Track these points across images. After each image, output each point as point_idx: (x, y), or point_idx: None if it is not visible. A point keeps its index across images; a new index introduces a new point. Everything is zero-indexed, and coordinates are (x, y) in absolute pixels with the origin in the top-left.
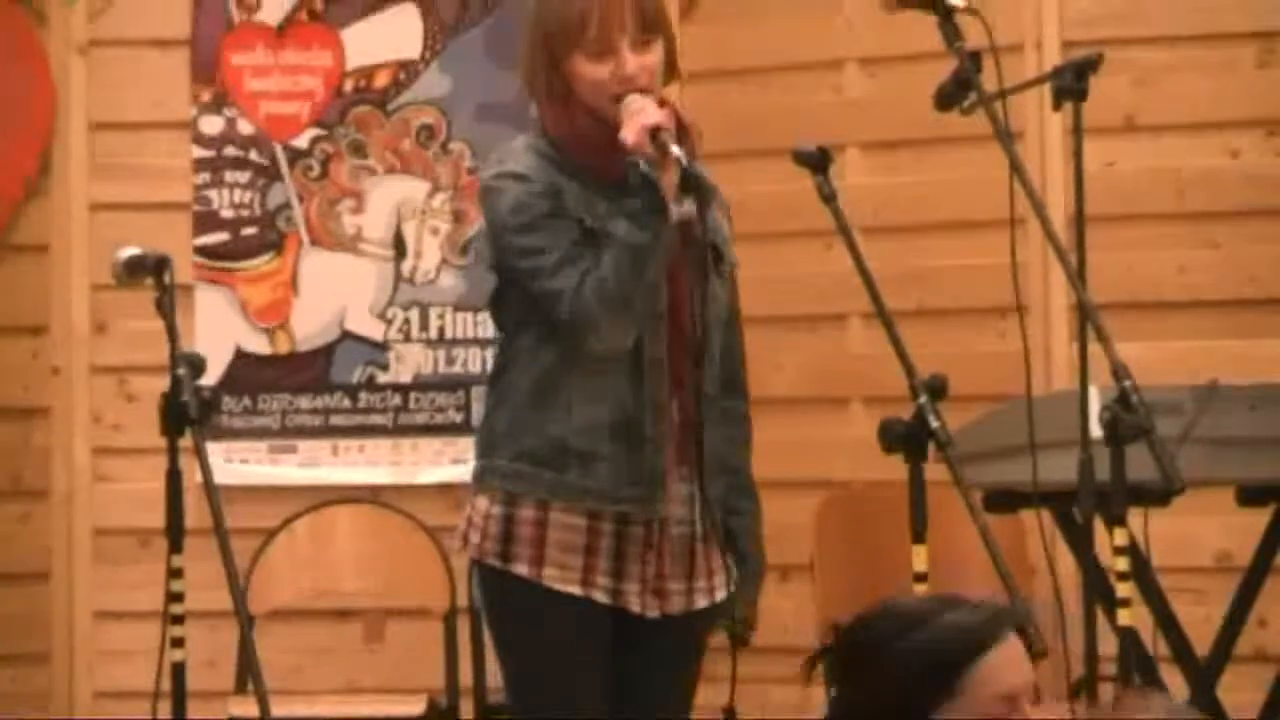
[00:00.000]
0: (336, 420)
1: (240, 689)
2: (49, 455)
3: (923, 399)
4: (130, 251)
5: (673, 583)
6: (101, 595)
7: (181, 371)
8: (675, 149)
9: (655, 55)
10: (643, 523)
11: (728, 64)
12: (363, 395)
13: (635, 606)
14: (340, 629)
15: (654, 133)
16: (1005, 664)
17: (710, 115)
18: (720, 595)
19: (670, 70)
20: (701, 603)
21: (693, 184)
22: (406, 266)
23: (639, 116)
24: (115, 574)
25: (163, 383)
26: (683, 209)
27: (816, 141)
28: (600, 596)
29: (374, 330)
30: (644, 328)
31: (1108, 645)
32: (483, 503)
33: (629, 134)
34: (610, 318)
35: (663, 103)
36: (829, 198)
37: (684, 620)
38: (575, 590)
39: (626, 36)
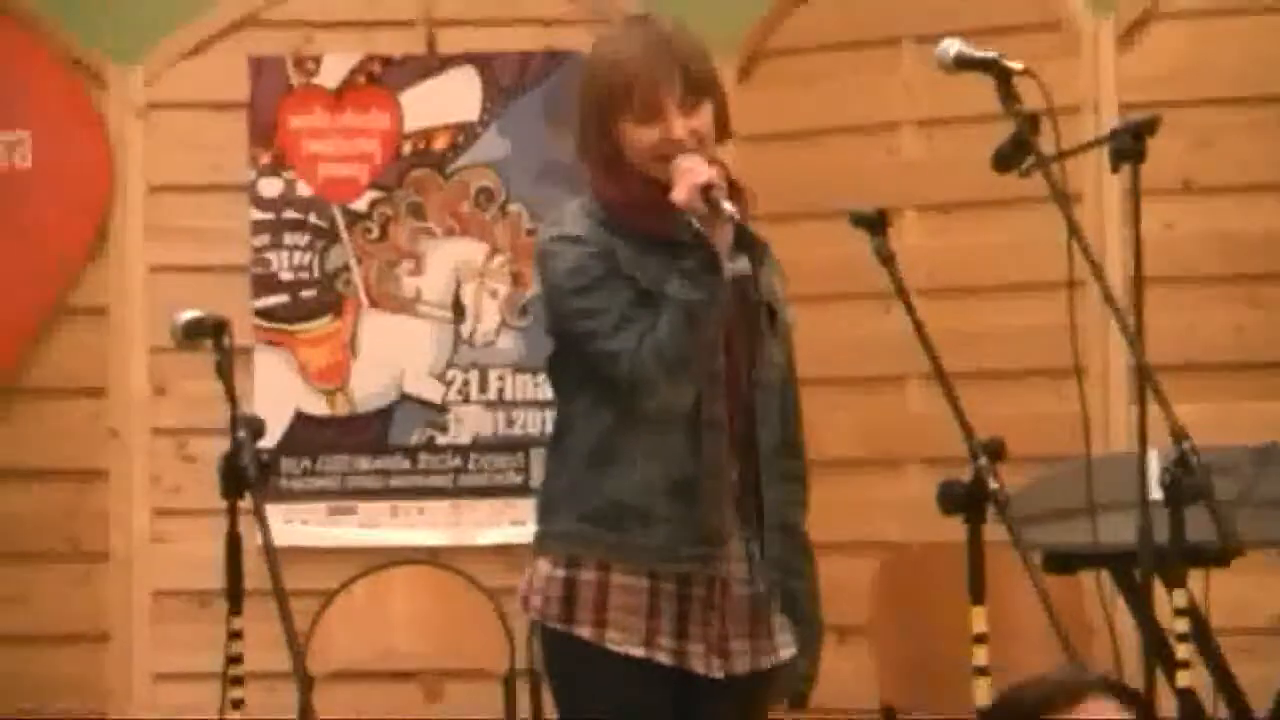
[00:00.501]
0: (396, 482)
1: None
2: (107, 517)
3: (981, 460)
4: (189, 314)
5: (736, 642)
6: (160, 657)
7: (241, 434)
8: (727, 205)
9: (704, 117)
10: (704, 583)
11: (785, 126)
12: (422, 457)
13: (700, 667)
14: (399, 690)
15: (705, 190)
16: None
17: (767, 177)
18: (785, 654)
19: (723, 131)
20: (766, 663)
21: (745, 240)
22: (465, 328)
23: (689, 175)
24: (174, 635)
25: (221, 444)
26: (737, 266)
27: (873, 203)
28: (663, 658)
29: (433, 392)
30: (701, 387)
31: (1167, 707)
32: (544, 565)
33: (680, 193)
34: (668, 377)
35: (712, 162)
36: (887, 259)
37: (748, 680)
38: (638, 651)
39: (674, 99)
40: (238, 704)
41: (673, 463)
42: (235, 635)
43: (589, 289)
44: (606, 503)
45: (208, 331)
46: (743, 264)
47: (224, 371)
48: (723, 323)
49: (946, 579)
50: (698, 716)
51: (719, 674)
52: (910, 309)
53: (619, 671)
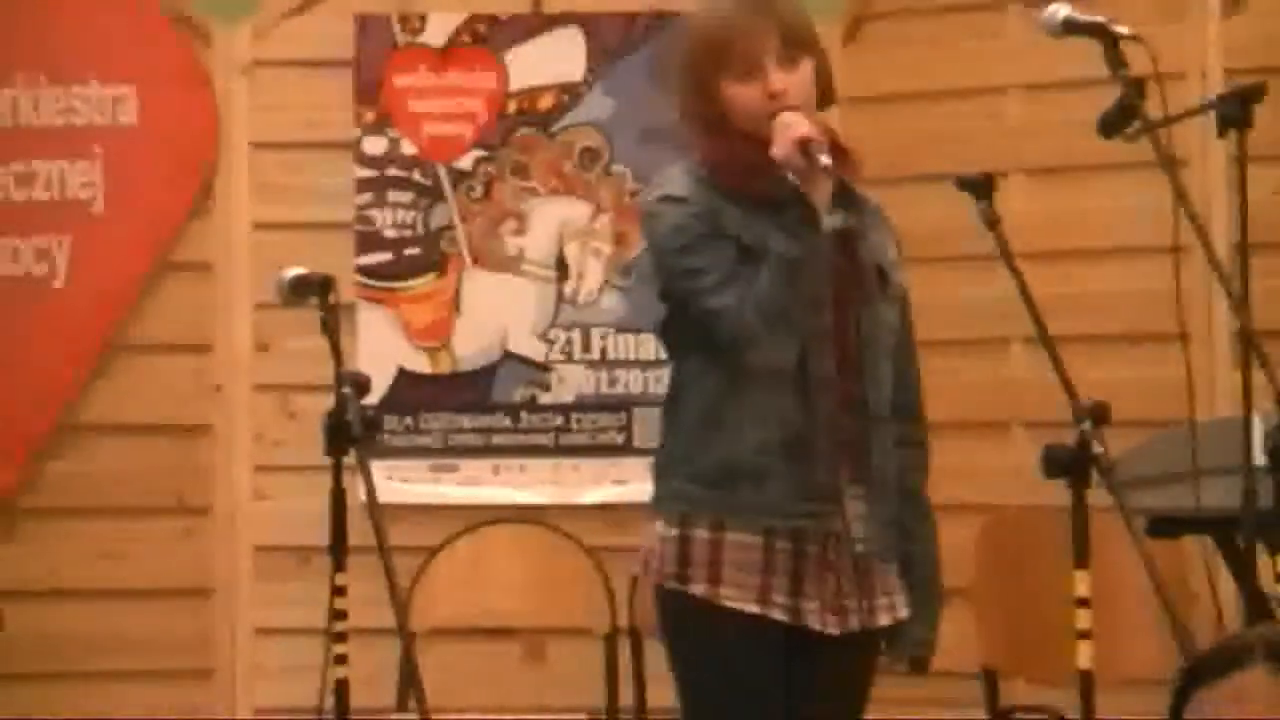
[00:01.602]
0: (498, 440)
1: (401, 707)
2: (211, 473)
3: (1085, 424)
4: (295, 271)
5: (850, 600)
6: (262, 612)
7: (346, 390)
8: (824, 159)
9: (804, 73)
10: (818, 540)
11: (889, 90)
12: (524, 415)
13: (814, 623)
14: (499, 648)
15: (803, 144)
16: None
17: (871, 141)
18: (902, 613)
19: (826, 94)
20: (883, 620)
21: (847, 197)
22: (569, 288)
23: (788, 130)
24: (276, 591)
25: (324, 401)
26: (835, 220)
27: (978, 167)
28: (778, 614)
29: (535, 351)
30: (808, 343)
31: None
32: (659, 526)
33: (779, 148)
34: (768, 331)
35: (813, 119)
36: (992, 223)
37: (862, 637)
38: (753, 608)
39: (772, 55)
40: (341, 659)
41: (784, 422)
42: (339, 591)
43: (692, 248)
44: (719, 463)
45: (313, 289)
46: (841, 219)
47: (329, 328)
48: (823, 278)
49: (1049, 543)
50: (812, 673)
51: (834, 631)
52: (1015, 272)
53: (733, 628)
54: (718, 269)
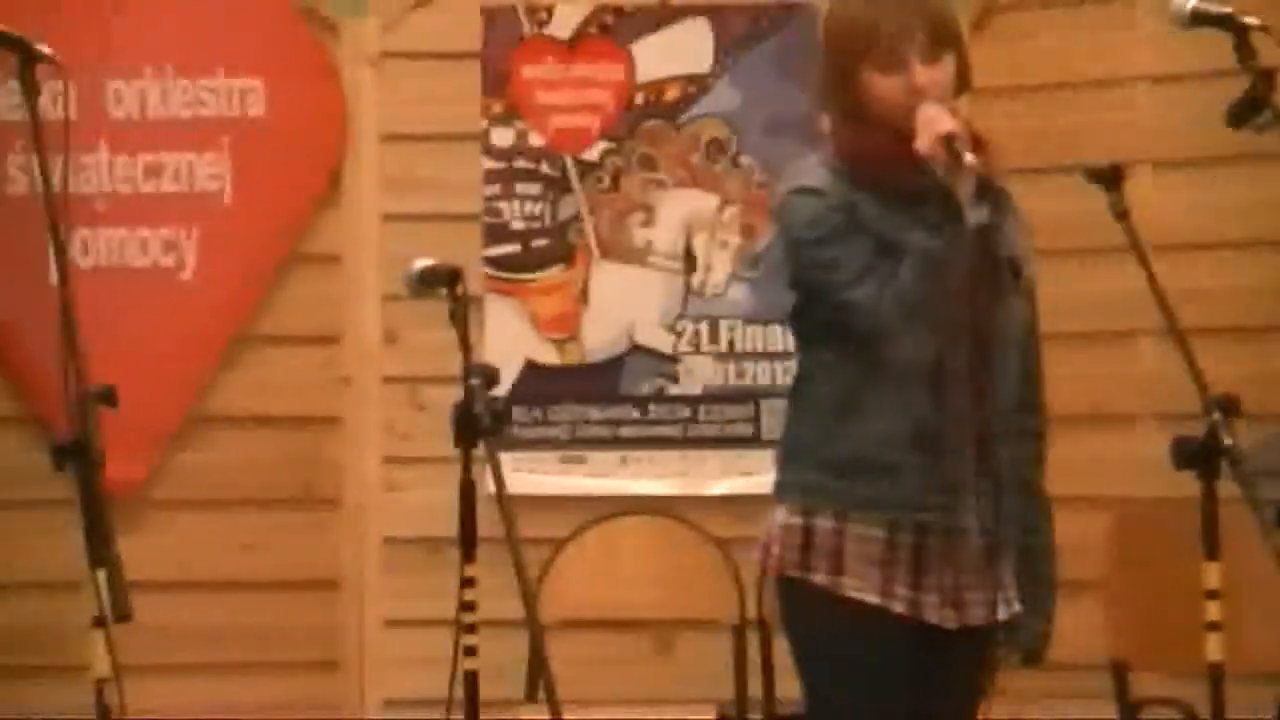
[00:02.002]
0: (626, 432)
1: (530, 698)
2: (340, 465)
3: (1216, 416)
4: (424, 263)
5: (970, 594)
6: (391, 603)
7: (475, 382)
8: (969, 155)
9: (947, 68)
10: (940, 534)
11: (1018, 80)
12: (652, 407)
13: (934, 617)
14: (628, 639)
15: (948, 140)
16: None
17: (999, 131)
18: (1019, 608)
19: (963, 84)
20: (1003, 613)
21: (988, 192)
22: (696, 280)
23: (932, 124)
24: (405, 582)
25: (452, 393)
26: (978, 216)
27: (1106, 159)
28: (898, 607)
29: (663, 343)
30: (944, 338)
31: None
32: (781, 515)
33: (923, 142)
34: (908, 325)
35: (955, 113)
36: (1122, 214)
37: (982, 631)
38: (874, 599)
39: (917, 48)
40: (471, 651)
41: (915, 414)
42: (468, 582)
43: (828, 240)
44: (848, 454)
45: (442, 280)
46: (984, 214)
47: (458, 320)
48: (964, 273)
49: (1179, 535)
50: (932, 667)
51: (953, 625)
52: (1145, 264)
53: (854, 618)
54: (855, 261)
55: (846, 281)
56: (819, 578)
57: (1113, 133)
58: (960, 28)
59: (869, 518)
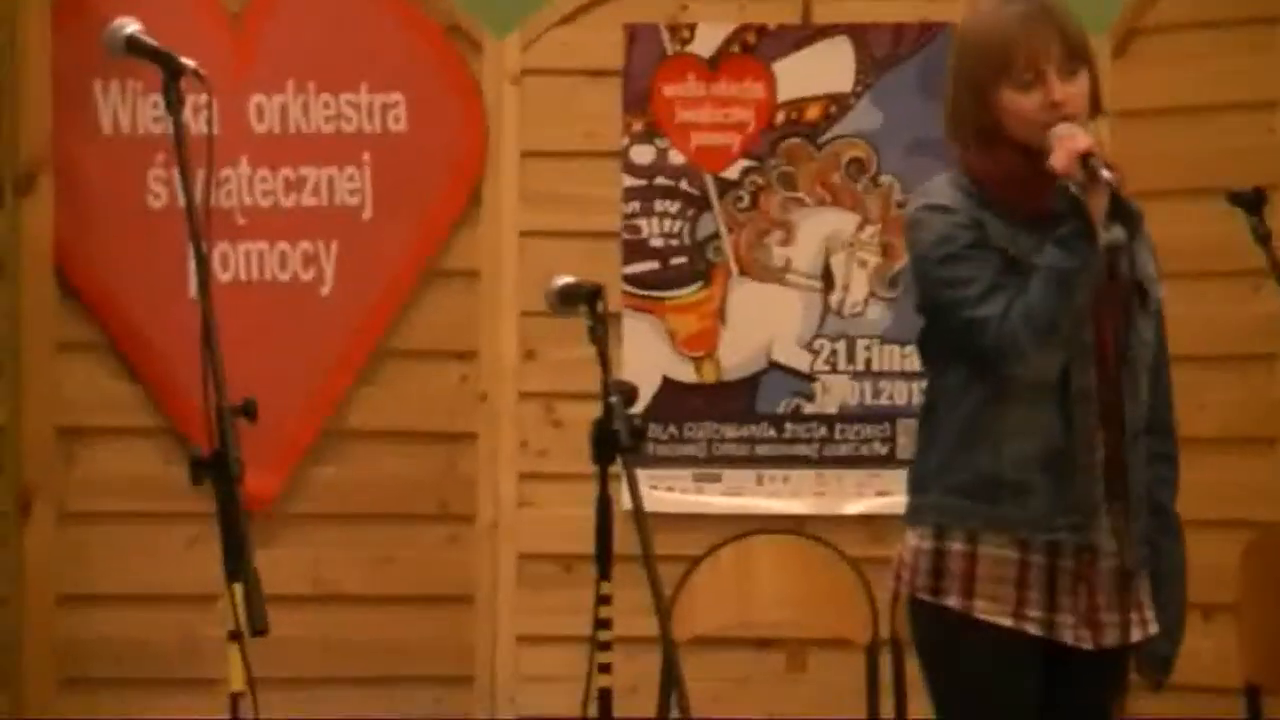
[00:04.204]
0: (761, 450)
1: (663, 716)
2: (475, 481)
3: None
4: (564, 280)
5: (1105, 614)
6: (525, 620)
7: (614, 399)
8: (1106, 172)
9: (1081, 85)
10: (1073, 554)
11: (1159, 103)
12: (788, 425)
13: (1068, 638)
14: (762, 658)
15: (1085, 156)
16: None
17: (1140, 154)
18: (1152, 629)
19: (1095, 106)
20: (1137, 635)
21: (1121, 211)
22: (834, 298)
23: (1068, 141)
24: (539, 599)
25: (589, 409)
26: (1112, 235)
27: (1249, 182)
28: (1032, 628)
29: (800, 361)
30: (1070, 357)
31: None
32: (913, 538)
33: (1058, 159)
34: (1036, 343)
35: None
36: (1264, 238)
37: (1117, 653)
38: (1007, 621)
39: (1053, 64)
40: (605, 668)
41: (1044, 435)
42: (604, 600)
43: (956, 257)
44: (979, 476)
45: (582, 297)
46: (1117, 233)
47: (597, 337)
48: (1093, 291)
49: None
50: (1066, 688)
51: (1088, 646)
52: None
53: (987, 641)
54: (982, 279)
55: (974, 298)
56: (951, 601)
57: (1256, 156)
58: (1092, 47)
59: (1000, 539)
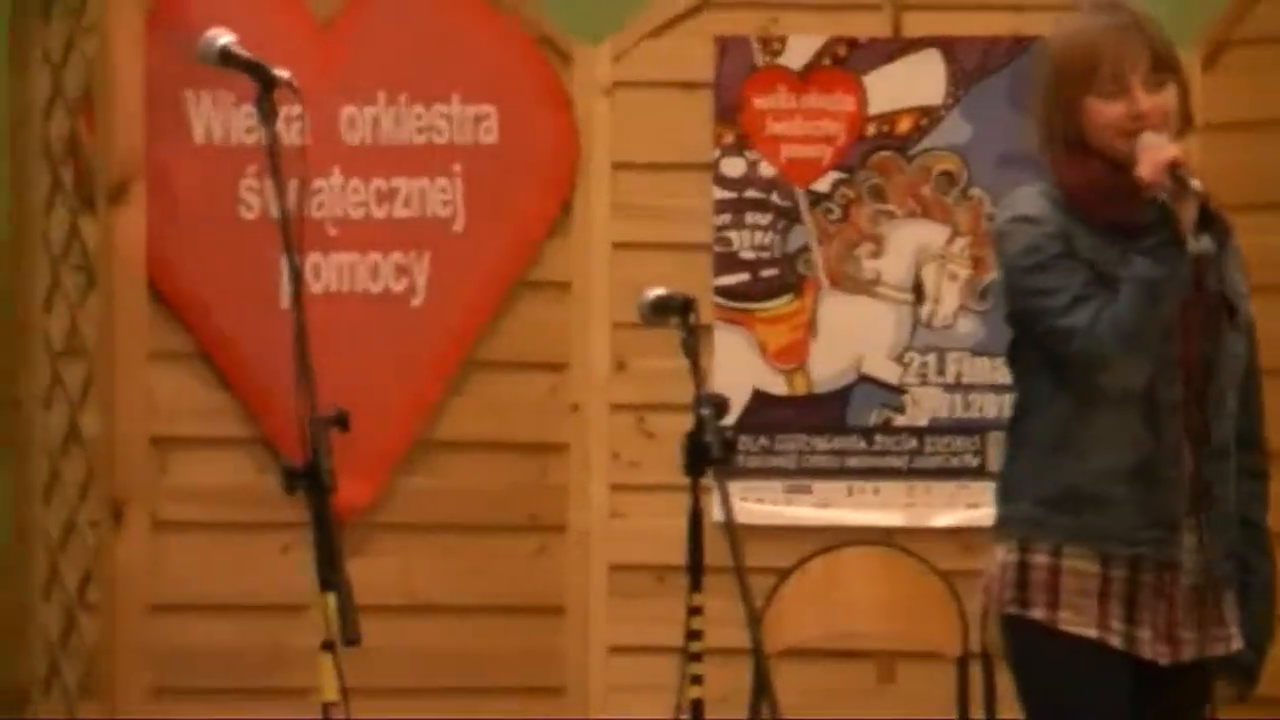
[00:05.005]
0: (852, 462)
1: None
2: (566, 491)
3: None
4: (657, 292)
5: (1185, 630)
6: (616, 630)
7: (706, 411)
8: (1194, 182)
9: (1168, 97)
10: (1154, 569)
11: (1251, 115)
12: (878, 438)
13: (1147, 653)
14: (851, 669)
15: (1172, 166)
16: None
17: (1231, 166)
18: (1236, 645)
19: (1185, 120)
20: (1218, 650)
21: (1210, 222)
22: (925, 311)
23: (1155, 152)
24: (630, 609)
25: (680, 421)
26: (1200, 245)
27: None
28: (1115, 641)
29: (890, 374)
30: (1156, 369)
31: None
32: (1000, 552)
33: (1145, 169)
34: (1123, 352)
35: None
36: None
37: (1196, 668)
38: (1091, 633)
39: (1139, 75)
40: (697, 679)
41: (1130, 448)
42: (696, 611)
43: (1043, 267)
44: (1064, 488)
45: (674, 309)
46: (1206, 244)
47: (689, 349)
48: (1180, 301)
49: None
50: (1148, 702)
51: (1165, 661)
52: None
53: (1074, 652)
54: (1069, 290)
55: (1060, 308)
56: (1036, 613)
57: None
58: (1180, 59)
59: (1083, 551)
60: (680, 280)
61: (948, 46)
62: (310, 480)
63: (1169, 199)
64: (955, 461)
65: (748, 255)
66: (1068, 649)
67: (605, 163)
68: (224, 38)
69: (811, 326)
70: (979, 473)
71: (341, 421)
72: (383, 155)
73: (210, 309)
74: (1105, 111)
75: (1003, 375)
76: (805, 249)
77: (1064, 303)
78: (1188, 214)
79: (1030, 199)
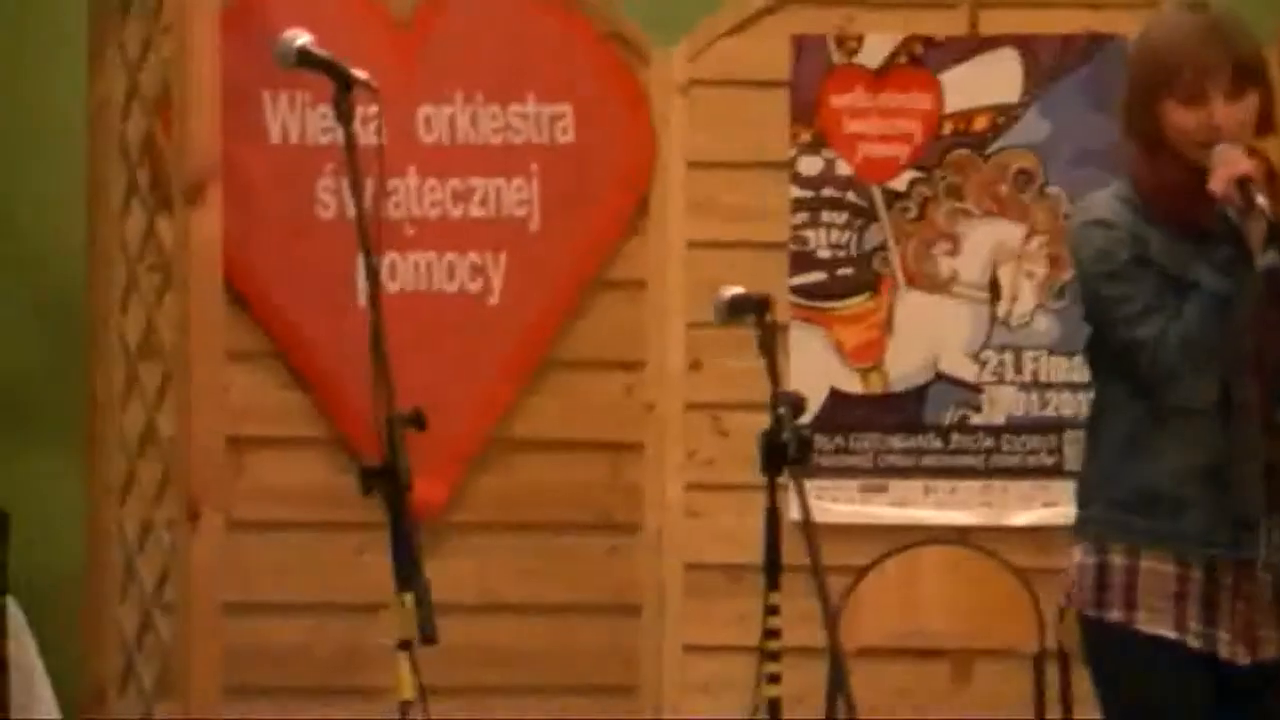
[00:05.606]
0: (928, 461)
1: None
2: (640, 490)
3: None
4: (733, 291)
5: (1264, 630)
6: (691, 629)
7: (783, 411)
8: (1262, 200)
9: (1248, 107)
10: (1231, 569)
11: None
12: (955, 436)
13: (1226, 653)
14: (927, 668)
15: (1242, 182)
16: None
17: None
18: None
19: (1266, 123)
20: None
21: (1278, 236)
22: (1001, 309)
23: (1228, 166)
24: (705, 609)
25: (755, 420)
26: (1269, 260)
27: None
28: (1194, 641)
29: (967, 372)
30: (1229, 374)
31: None
32: (1077, 554)
33: (1217, 183)
34: (1191, 367)
35: (1253, 152)
36: None
37: (1275, 668)
38: (1170, 634)
39: (1220, 85)
40: (774, 678)
41: (1205, 450)
42: (772, 610)
43: (1116, 274)
44: (1138, 490)
45: (751, 308)
46: (1273, 259)
47: (766, 348)
48: (1250, 316)
49: None
50: (1227, 702)
51: (1245, 661)
52: None
53: (1153, 654)
54: (1140, 298)
55: (1131, 318)
56: (1114, 615)
57: None
58: (1267, 67)
59: (1159, 553)
60: (756, 279)
61: (1024, 44)
62: (387, 479)
63: (1237, 215)
64: (1032, 460)
65: (824, 254)
66: (1146, 650)
67: (681, 162)
68: (301, 38)
69: (888, 325)
70: (1055, 471)
71: (418, 421)
72: (459, 155)
73: (286, 309)
74: (1182, 117)
75: (1079, 374)
76: (882, 247)
77: (1134, 312)
78: (1256, 230)
79: (1104, 202)
